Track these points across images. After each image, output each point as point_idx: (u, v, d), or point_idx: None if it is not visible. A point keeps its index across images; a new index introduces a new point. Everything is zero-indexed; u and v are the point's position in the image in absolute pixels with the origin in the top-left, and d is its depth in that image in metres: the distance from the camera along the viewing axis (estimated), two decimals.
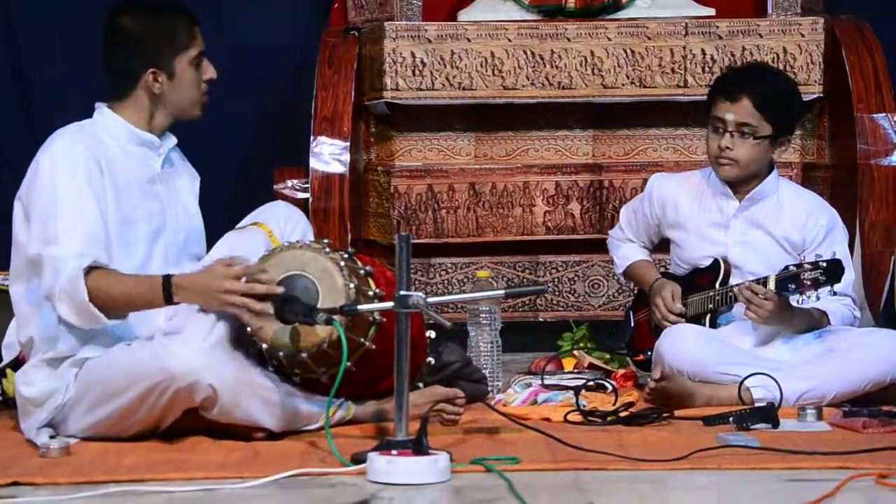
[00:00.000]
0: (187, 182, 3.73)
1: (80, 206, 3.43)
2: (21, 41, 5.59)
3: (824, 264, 3.90)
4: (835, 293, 3.92)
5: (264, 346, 3.42)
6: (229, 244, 3.62)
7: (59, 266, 3.37)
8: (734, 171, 4.09)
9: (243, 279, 3.39)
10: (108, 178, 3.50)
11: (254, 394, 3.42)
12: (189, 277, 3.42)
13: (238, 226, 3.72)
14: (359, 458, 3.15)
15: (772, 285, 3.93)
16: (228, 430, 3.45)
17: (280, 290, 3.39)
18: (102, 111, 3.61)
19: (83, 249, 3.39)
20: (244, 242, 3.60)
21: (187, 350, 3.35)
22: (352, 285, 3.42)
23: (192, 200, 3.72)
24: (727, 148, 4.05)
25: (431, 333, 3.72)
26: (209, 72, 3.64)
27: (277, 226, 3.68)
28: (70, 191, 3.43)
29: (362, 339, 3.45)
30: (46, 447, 3.32)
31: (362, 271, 3.52)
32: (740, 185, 4.15)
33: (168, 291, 3.38)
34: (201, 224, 3.73)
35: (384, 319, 3.46)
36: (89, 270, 3.37)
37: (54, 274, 3.38)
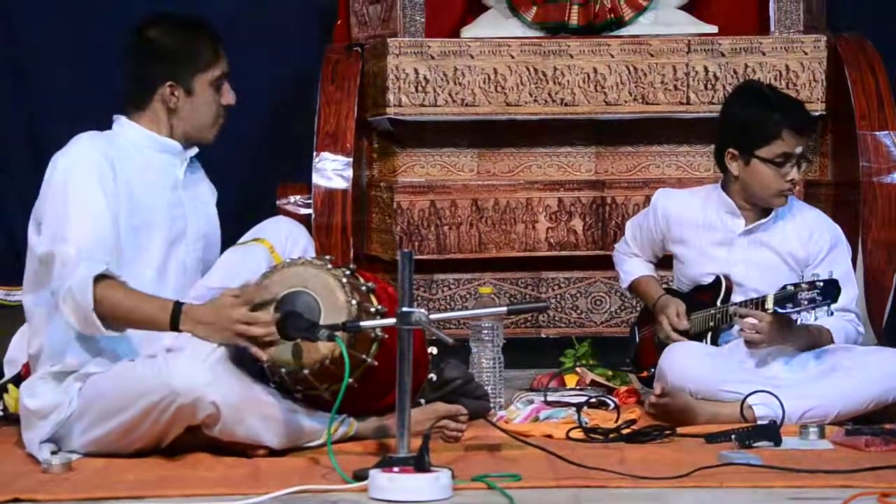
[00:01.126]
0: (208, 191, 3.76)
1: (92, 208, 3.45)
2: (25, 48, 5.60)
3: (821, 283, 3.89)
4: (832, 313, 3.91)
5: (266, 362, 3.42)
6: (231, 260, 3.63)
7: (70, 265, 3.38)
8: (787, 199, 4.10)
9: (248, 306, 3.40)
10: (123, 184, 3.51)
11: (257, 411, 3.42)
12: (199, 309, 3.42)
13: (240, 241, 3.73)
14: (360, 475, 3.15)
15: (770, 304, 3.93)
16: (229, 447, 3.45)
17: (277, 316, 3.39)
18: (121, 121, 3.63)
19: (93, 251, 3.40)
20: (245, 258, 3.61)
21: (190, 367, 3.35)
22: (354, 302, 3.42)
23: (211, 211, 3.74)
24: (794, 180, 4.04)
25: (433, 350, 3.72)
26: (228, 97, 3.65)
27: (279, 241, 3.69)
28: (83, 191, 3.45)
29: (364, 356, 3.45)
30: (48, 463, 3.32)
31: (364, 288, 3.52)
32: (753, 206, 4.14)
33: (176, 319, 3.38)
34: (219, 233, 3.75)
35: (386, 336, 3.46)
36: (100, 278, 3.37)
37: (62, 272, 3.39)
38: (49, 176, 3.52)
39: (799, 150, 4.03)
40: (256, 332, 3.38)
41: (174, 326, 3.39)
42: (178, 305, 3.40)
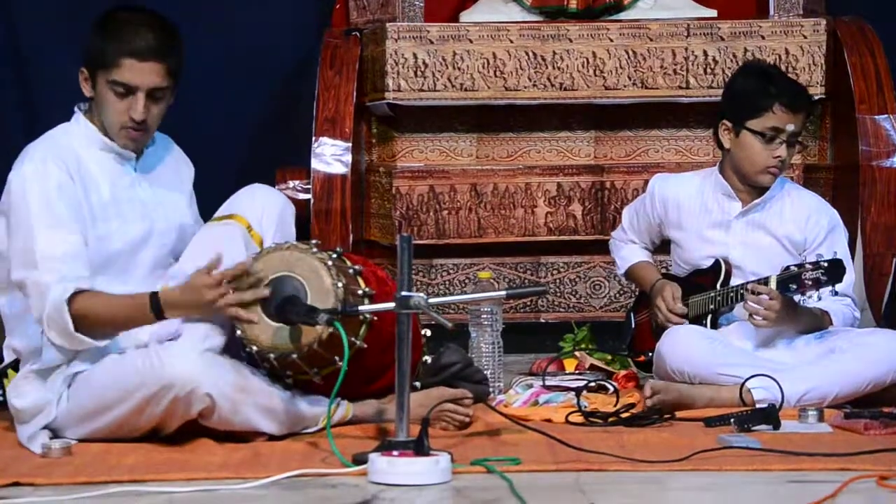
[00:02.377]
0: (173, 177, 3.64)
1: (56, 226, 3.38)
2: (22, 44, 5.59)
3: (825, 264, 3.89)
4: (836, 293, 3.92)
5: (254, 348, 3.41)
6: (208, 241, 3.53)
7: (44, 291, 3.34)
8: (776, 177, 4.09)
9: (226, 282, 3.36)
10: (82, 192, 3.44)
11: (252, 401, 3.40)
12: (174, 293, 3.38)
13: (216, 215, 3.62)
14: (360, 459, 3.15)
15: (773, 285, 3.93)
16: (228, 435, 3.44)
17: (266, 292, 3.38)
18: (78, 118, 3.55)
19: (65, 272, 3.35)
20: (222, 239, 3.52)
21: (183, 358, 3.33)
22: (340, 284, 3.41)
23: (180, 197, 3.64)
24: (781, 157, 4.04)
25: (427, 332, 3.72)
26: (133, 110, 3.43)
27: (255, 216, 3.58)
28: (44, 212, 3.38)
29: (354, 339, 3.44)
30: (48, 447, 3.31)
31: (351, 270, 3.51)
32: (748, 188, 4.14)
33: (157, 308, 3.35)
34: (195, 218, 3.67)
35: (375, 318, 3.45)
36: (73, 296, 3.33)
37: (40, 300, 3.35)
38: (9, 193, 3.43)
39: (790, 127, 4.02)
40: (231, 299, 3.34)
41: (159, 316, 3.37)
42: (153, 296, 3.36)
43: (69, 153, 3.48)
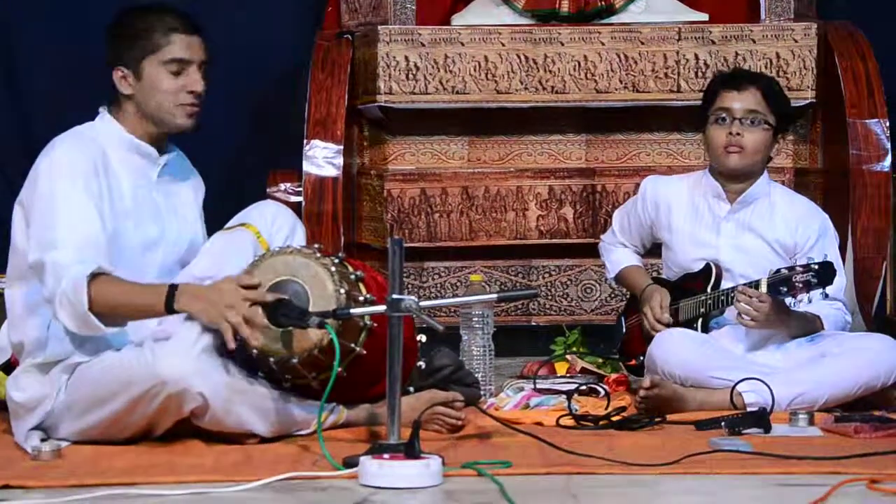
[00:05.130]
0: (189, 192, 3.70)
1: (79, 211, 3.41)
2: (15, 46, 5.59)
3: (816, 267, 3.90)
4: (826, 296, 3.93)
5: (254, 351, 3.42)
6: (218, 246, 3.61)
7: (61, 271, 3.35)
8: (742, 160, 4.10)
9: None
10: (105, 185, 3.49)
11: (245, 401, 3.41)
12: (195, 286, 3.41)
13: (227, 226, 3.70)
14: (351, 462, 3.15)
15: (763, 288, 3.94)
16: (220, 436, 3.45)
17: (270, 297, 3.38)
18: (103, 116, 3.60)
19: (84, 254, 3.37)
20: (231, 244, 3.59)
21: (177, 356, 3.33)
22: (342, 290, 3.42)
23: (192, 210, 3.70)
24: (737, 134, 4.07)
25: (422, 337, 3.72)
26: (191, 83, 3.55)
27: (265, 226, 3.65)
28: (69, 196, 3.42)
29: (353, 345, 3.45)
30: (38, 450, 3.32)
31: (353, 276, 3.52)
32: (735, 185, 4.16)
33: (171, 300, 3.36)
34: (203, 234, 3.71)
35: (375, 325, 3.46)
36: (93, 277, 3.35)
37: (56, 279, 3.36)
38: (33, 179, 3.47)
39: (737, 105, 4.10)
40: (247, 312, 3.35)
41: (169, 307, 3.37)
42: (172, 287, 3.38)
43: (96, 147, 3.52)
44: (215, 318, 3.36)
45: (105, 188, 3.48)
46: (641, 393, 3.82)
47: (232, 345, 3.35)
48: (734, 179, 4.15)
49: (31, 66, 5.56)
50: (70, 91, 5.25)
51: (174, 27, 3.54)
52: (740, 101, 4.10)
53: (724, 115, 4.11)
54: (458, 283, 5.16)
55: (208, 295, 3.38)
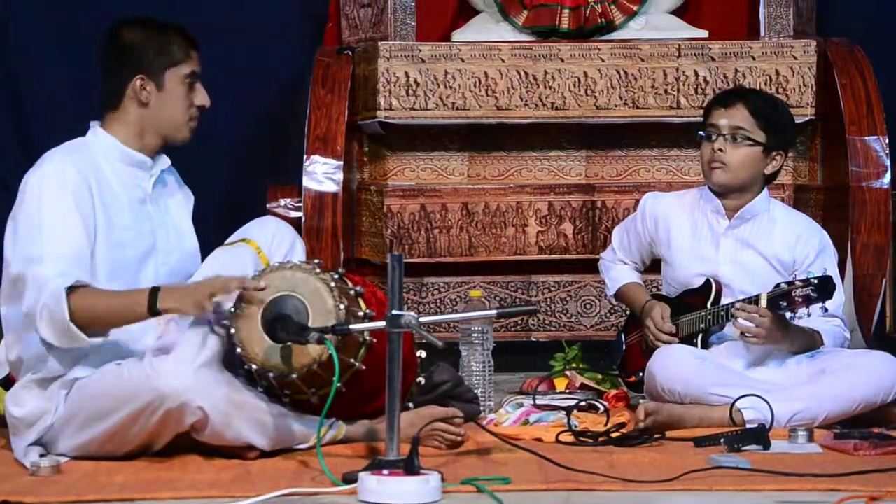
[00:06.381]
0: (181, 202, 3.71)
1: (65, 227, 3.41)
2: (14, 52, 5.60)
3: (815, 281, 3.91)
4: (826, 310, 3.93)
5: (254, 366, 3.42)
6: (218, 261, 3.62)
7: (42, 285, 3.35)
8: (725, 175, 4.11)
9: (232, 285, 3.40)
10: (99, 200, 3.49)
11: (245, 415, 3.41)
12: (178, 285, 3.43)
13: (227, 241, 3.71)
14: (350, 478, 3.15)
15: (763, 303, 3.94)
16: (220, 449, 3.45)
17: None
18: (96, 131, 3.61)
19: (66, 270, 3.37)
20: (232, 259, 3.60)
21: (177, 371, 3.34)
22: (342, 306, 3.42)
23: (184, 221, 3.70)
24: (719, 150, 4.09)
25: (422, 353, 3.72)
26: (201, 97, 3.62)
27: (265, 241, 3.67)
28: (56, 211, 3.42)
29: (352, 360, 3.45)
30: (37, 465, 3.31)
31: (353, 292, 3.52)
32: (731, 202, 4.16)
33: (154, 300, 3.36)
34: (195, 245, 3.72)
35: (374, 340, 3.46)
36: (72, 289, 3.35)
37: (37, 293, 3.36)
38: (23, 193, 3.48)
39: (723, 122, 4.12)
40: (231, 284, 3.36)
41: (152, 309, 3.37)
42: (155, 289, 3.38)
43: (88, 161, 3.53)
44: (196, 302, 3.35)
45: (99, 203, 3.48)
46: (640, 425, 3.79)
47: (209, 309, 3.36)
48: (725, 195, 4.16)
49: (31, 67, 5.57)
50: (70, 92, 5.26)
51: (192, 42, 3.61)
52: (726, 118, 4.12)
53: (711, 131, 4.14)
54: (458, 299, 5.16)
55: (189, 288, 3.39)
